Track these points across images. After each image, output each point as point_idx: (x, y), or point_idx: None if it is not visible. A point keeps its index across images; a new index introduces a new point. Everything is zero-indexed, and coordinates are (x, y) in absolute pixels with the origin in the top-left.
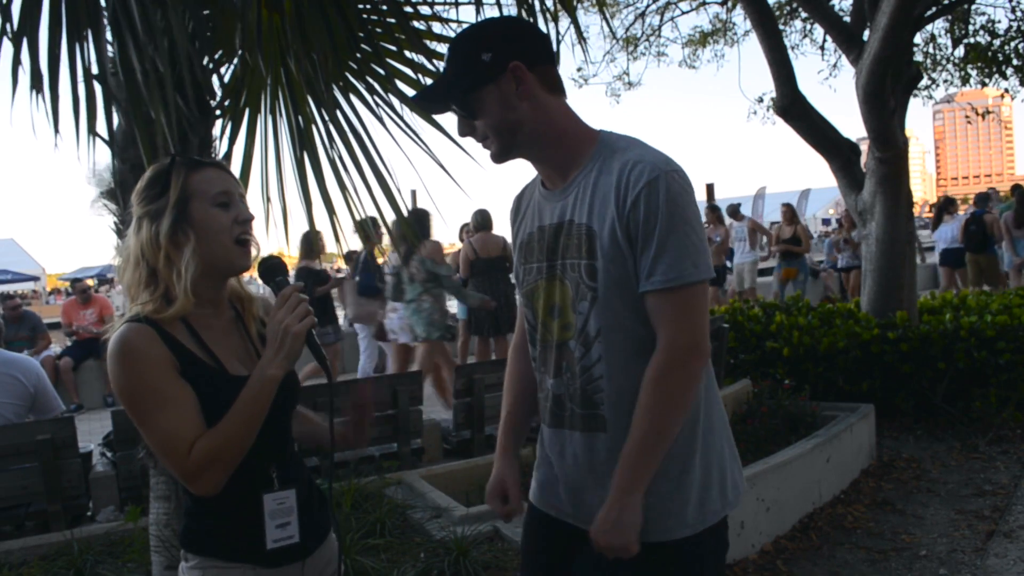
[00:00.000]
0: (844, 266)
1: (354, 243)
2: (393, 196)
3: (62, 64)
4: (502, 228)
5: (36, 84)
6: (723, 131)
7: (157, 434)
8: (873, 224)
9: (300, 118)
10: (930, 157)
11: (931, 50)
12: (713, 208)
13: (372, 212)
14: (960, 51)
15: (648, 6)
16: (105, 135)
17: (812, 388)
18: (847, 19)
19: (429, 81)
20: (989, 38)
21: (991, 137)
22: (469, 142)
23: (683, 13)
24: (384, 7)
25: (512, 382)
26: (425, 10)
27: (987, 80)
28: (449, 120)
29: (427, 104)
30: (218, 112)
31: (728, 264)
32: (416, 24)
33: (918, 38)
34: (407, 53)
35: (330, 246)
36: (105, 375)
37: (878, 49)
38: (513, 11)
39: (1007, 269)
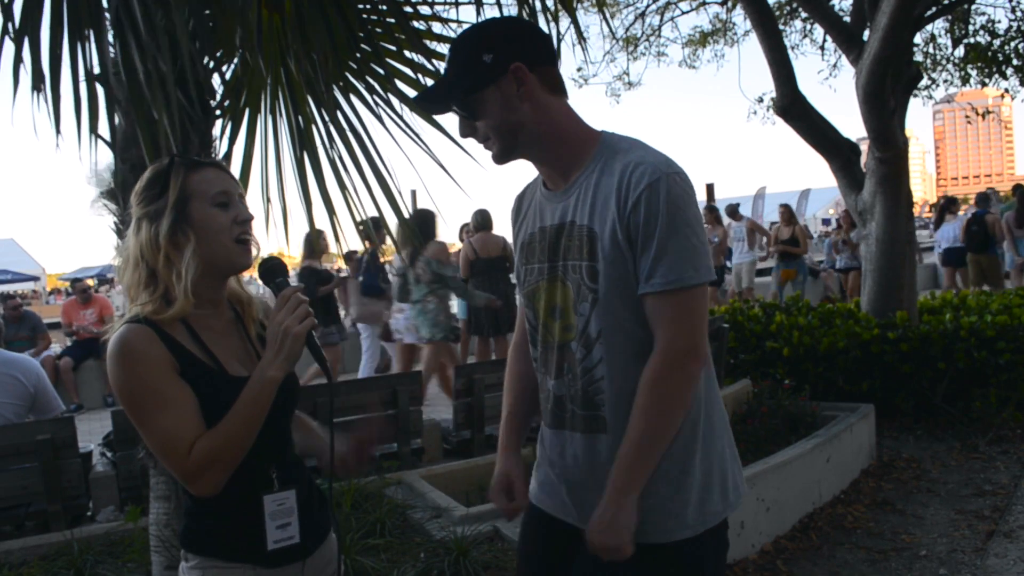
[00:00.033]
0: (843, 267)
1: (354, 243)
2: (393, 196)
3: (63, 64)
4: (502, 228)
5: (37, 84)
6: (723, 131)
7: (157, 435)
8: (873, 224)
9: (300, 118)
10: (930, 157)
11: (931, 50)
12: (711, 208)
13: (372, 212)
14: (960, 51)
15: (648, 6)
16: (107, 135)
17: (812, 388)
18: (847, 19)
19: (429, 81)
20: (989, 38)
21: (991, 137)
22: (470, 142)
23: (683, 13)
24: (384, 7)
25: (513, 381)
26: (425, 10)
27: (987, 80)
28: (449, 120)
29: (428, 105)
30: (218, 112)
31: (728, 264)
32: (416, 24)
33: (918, 38)
34: (407, 53)
35: (333, 246)
36: (105, 375)
37: (878, 49)
38: (513, 11)
39: (1009, 269)
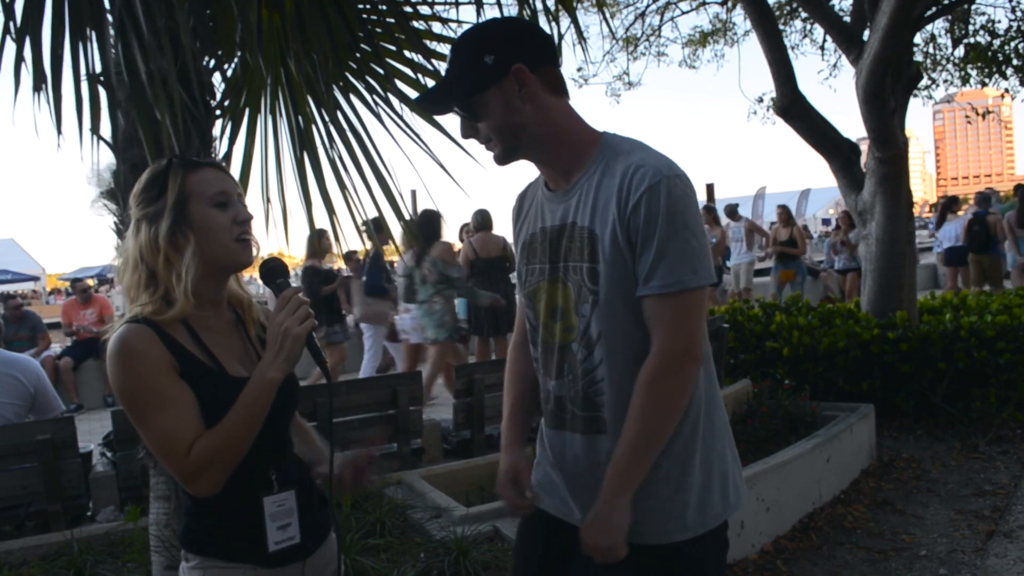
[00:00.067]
0: (841, 268)
1: (354, 243)
2: (393, 196)
3: (65, 64)
4: (502, 228)
5: (39, 83)
6: (723, 131)
7: (156, 435)
8: (873, 224)
9: (300, 118)
10: (930, 157)
11: (931, 50)
12: (709, 209)
13: (372, 212)
14: (960, 51)
15: (648, 6)
16: (108, 135)
17: (812, 388)
18: (847, 19)
19: (429, 81)
20: (989, 38)
21: (991, 137)
22: (470, 142)
23: (683, 13)
24: (384, 7)
25: (514, 379)
26: (425, 10)
27: (987, 80)
28: (450, 120)
29: (430, 106)
30: (218, 112)
31: (727, 264)
32: (416, 24)
33: (918, 38)
34: (407, 53)
35: (335, 246)
36: (105, 375)
37: (878, 49)
38: (514, 11)
39: (1010, 269)
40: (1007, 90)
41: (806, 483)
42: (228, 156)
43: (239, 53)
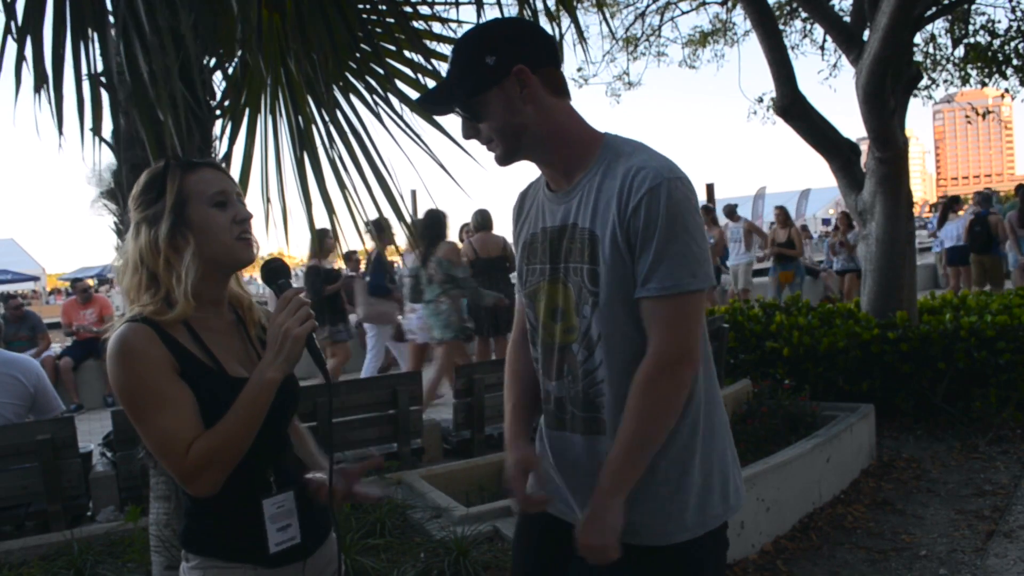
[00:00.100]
0: (839, 269)
1: (354, 243)
2: (393, 196)
3: (66, 63)
4: (502, 228)
5: (40, 83)
6: (723, 131)
7: (155, 434)
8: (873, 224)
9: (300, 118)
10: (930, 157)
11: (931, 50)
12: (707, 209)
13: (372, 212)
14: (960, 51)
15: (648, 6)
16: (108, 135)
17: (812, 388)
18: (847, 19)
19: (429, 81)
20: (989, 38)
21: (991, 137)
22: (470, 142)
23: (683, 13)
24: (384, 7)
25: (515, 378)
26: (425, 10)
27: (987, 80)
28: (450, 120)
29: (431, 107)
30: (218, 112)
31: (725, 264)
32: (416, 24)
33: (918, 38)
34: (407, 53)
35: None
36: (105, 375)
37: (878, 49)
38: (514, 11)
39: (1012, 269)
40: (1007, 90)
41: (806, 483)
42: (228, 156)
43: (239, 53)
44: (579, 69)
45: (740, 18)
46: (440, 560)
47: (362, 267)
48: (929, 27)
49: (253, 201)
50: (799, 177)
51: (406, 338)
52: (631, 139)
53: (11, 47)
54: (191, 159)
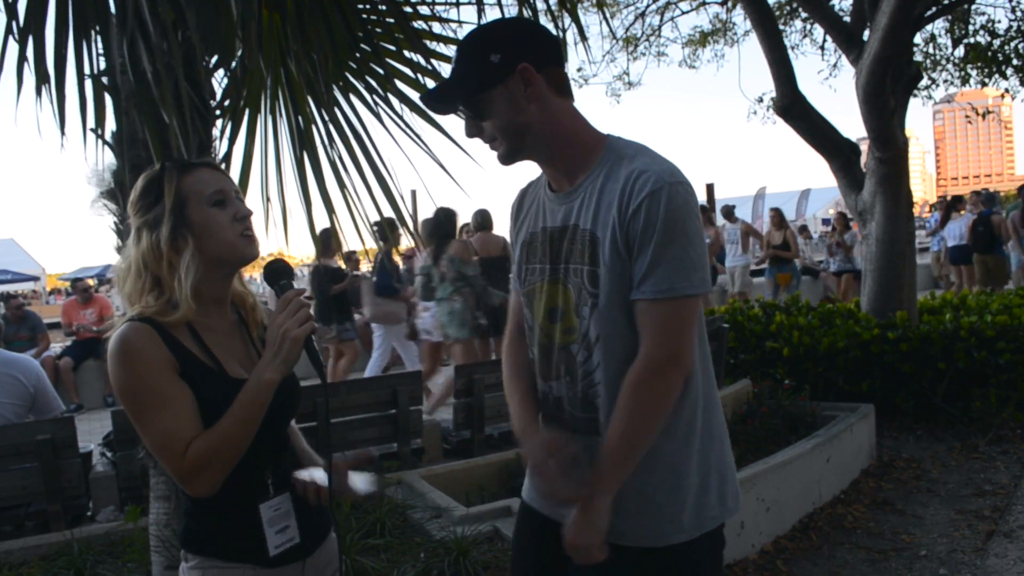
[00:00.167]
0: (836, 270)
1: (354, 243)
2: (393, 196)
3: (68, 63)
4: (502, 228)
5: (42, 83)
6: (723, 131)
7: (154, 434)
8: (873, 224)
9: (300, 118)
10: (930, 157)
11: (931, 50)
12: (703, 209)
13: (372, 211)
14: (960, 51)
15: (648, 6)
16: (109, 134)
17: (812, 388)
18: (847, 19)
19: (429, 81)
20: (989, 38)
21: (991, 137)
22: (469, 142)
23: (683, 13)
24: (384, 7)
25: (518, 372)
26: (425, 10)
27: (987, 80)
28: (449, 120)
29: (435, 105)
30: (218, 112)
31: (721, 263)
32: (416, 24)
33: (918, 38)
34: (407, 53)
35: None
36: (105, 375)
37: (878, 49)
38: (514, 11)
39: (1015, 269)
40: (1007, 90)
41: (806, 483)
42: (228, 156)
43: (239, 53)
44: (579, 69)
45: (740, 18)
46: (440, 560)
47: (362, 267)
48: (929, 27)
49: (253, 201)
50: (799, 177)
51: (420, 337)
52: (634, 141)
53: (12, 47)
54: (187, 160)
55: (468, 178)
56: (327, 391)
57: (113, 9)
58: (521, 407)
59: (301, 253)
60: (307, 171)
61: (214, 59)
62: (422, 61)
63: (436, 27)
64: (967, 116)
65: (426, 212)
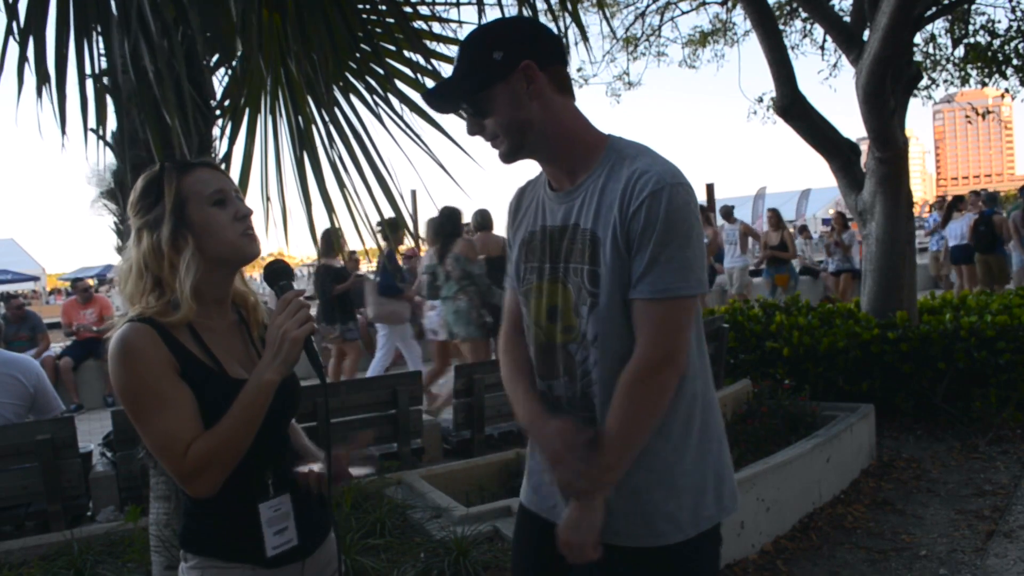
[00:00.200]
0: (834, 270)
1: (354, 243)
2: (393, 196)
3: (69, 63)
4: (503, 228)
5: (42, 83)
6: (723, 131)
7: (154, 434)
8: (873, 224)
9: (300, 118)
10: (930, 157)
11: (931, 50)
12: (701, 209)
13: (372, 212)
14: (960, 51)
15: (648, 6)
16: (111, 135)
17: (812, 388)
18: (847, 19)
19: (429, 81)
20: (989, 38)
21: (991, 137)
22: (470, 142)
23: (683, 13)
24: (384, 7)
25: (518, 368)
26: (425, 10)
27: (987, 80)
28: (450, 120)
29: (437, 102)
30: (218, 112)
31: (719, 263)
32: (416, 24)
33: (918, 38)
34: (407, 53)
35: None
36: (105, 375)
37: (878, 49)
38: (514, 11)
39: (1016, 268)
40: (1007, 90)
41: (806, 483)
42: (228, 156)
43: (239, 53)
44: (579, 69)
45: (740, 18)
46: (440, 560)
47: (363, 267)
48: (929, 27)
49: (253, 201)
50: (799, 177)
51: (427, 336)
52: (635, 142)
53: (12, 47)
54: (186, 160)
55: (468, 178)
56: (327, 391)
57: (114, 8)
58: (527, 399)
59: (301, 253)
60: (307, 171)
61: (215, 58)
62: (422, 61)
63: (436, 27)
64: (967, 116)
65: (426, 212)
